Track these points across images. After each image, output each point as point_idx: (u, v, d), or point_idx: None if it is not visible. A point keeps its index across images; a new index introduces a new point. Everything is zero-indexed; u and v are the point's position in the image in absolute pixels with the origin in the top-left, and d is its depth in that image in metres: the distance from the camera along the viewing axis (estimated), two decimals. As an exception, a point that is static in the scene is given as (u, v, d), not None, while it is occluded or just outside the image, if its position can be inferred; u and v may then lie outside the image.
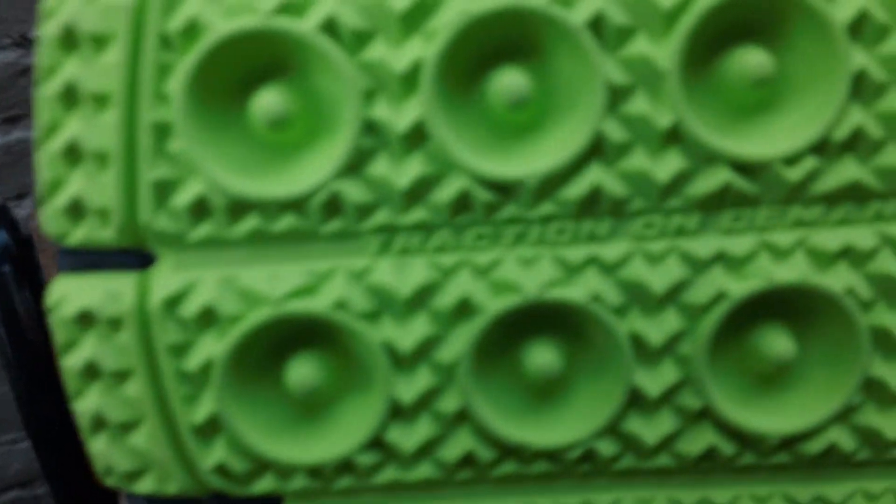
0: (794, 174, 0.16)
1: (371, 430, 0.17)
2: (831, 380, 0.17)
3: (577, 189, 0.16)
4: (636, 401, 0.17)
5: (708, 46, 0.16)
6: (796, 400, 0.17)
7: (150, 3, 0.16)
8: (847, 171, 0.16)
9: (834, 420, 0.17)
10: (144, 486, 0.18)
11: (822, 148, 0.16)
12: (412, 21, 0.15)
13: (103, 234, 0.16)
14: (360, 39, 0.15)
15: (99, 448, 0.18)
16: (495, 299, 0.16)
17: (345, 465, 0.17)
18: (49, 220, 0.17)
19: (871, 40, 0.16)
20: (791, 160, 0.16)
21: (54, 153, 0.16)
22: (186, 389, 0.17)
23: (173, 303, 0.16)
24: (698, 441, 0.17)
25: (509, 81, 0.15)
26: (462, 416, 0.17)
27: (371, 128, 0.16)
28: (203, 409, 0.17)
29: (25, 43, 0.57)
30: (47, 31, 0.16)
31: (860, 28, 0.16)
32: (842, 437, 0.18)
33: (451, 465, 0.17)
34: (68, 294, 0.17)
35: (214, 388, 0.16)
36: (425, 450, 0.17)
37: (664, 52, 0.15)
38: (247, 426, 0.17)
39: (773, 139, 0.16)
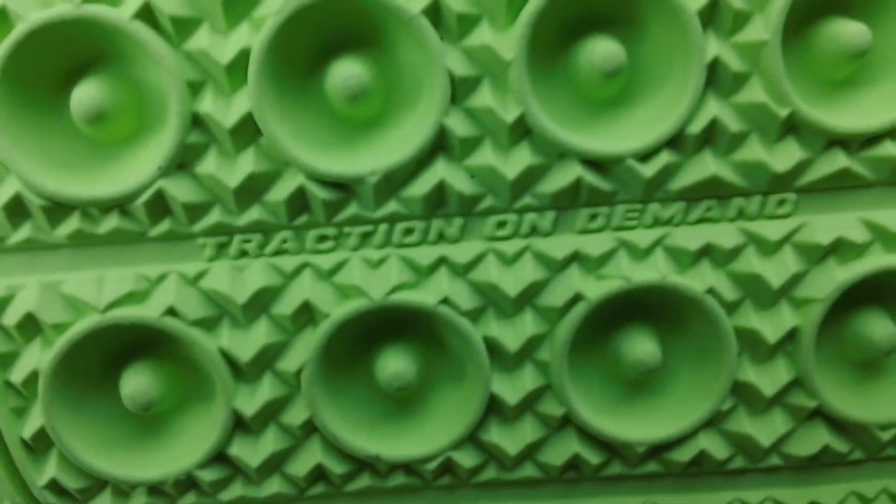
0: (649, 170, 0.15)
1: (213, 445, 0.16)
2: (698, 384, 0.16)
3: (422, 187, 0.15)
4: (496, 409, 0.16)
5: (555, 36, 0.15)
6: (663, 406, 0.16)
7: None
8: (705, 166, 0.15)
9: (704, 426, 0.17)
10: None
11: (678, 142, 0.15)
12: (238, 8, 0.14)
13: None
14: (182, 27, 0.14)
15: None
16: (340, 304, 0.15)
17: (188, 482, 0.16)
18: None
19: (727, 28, 0.15)
20: (645, 156, 0.15)
21: None
22: (14, 402, 0.16)
23: None
24: (561, 450, 0.17)
25: (347, 72, 0.14)
26: (310, 428, 0.16)
27: (198, 122, 0.15)
28: (32, 423, 0.16)
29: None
30: None
31: (714, 15, 0.15)
32: (713, 444, 0.17)
33: (301, 480, 0.16)
34: None
35: (41, 400, 0.15)
36: (273, 464, 0.16)
37: (508, 41, 0.14)
38: (78, 441, 0.16)
39: (626, 134, 0.15)
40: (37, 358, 0.15)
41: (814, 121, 0.15)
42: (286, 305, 0.15)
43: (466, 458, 0.16)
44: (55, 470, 0.16)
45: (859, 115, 0.15)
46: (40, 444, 0.16)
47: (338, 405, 0.16)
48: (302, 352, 0.15)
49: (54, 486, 0.16)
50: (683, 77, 0.14)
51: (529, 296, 0.15)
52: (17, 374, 0.15)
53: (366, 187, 0.15)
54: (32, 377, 0.15)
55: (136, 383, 0.15)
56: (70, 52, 0.14)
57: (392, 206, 0.15)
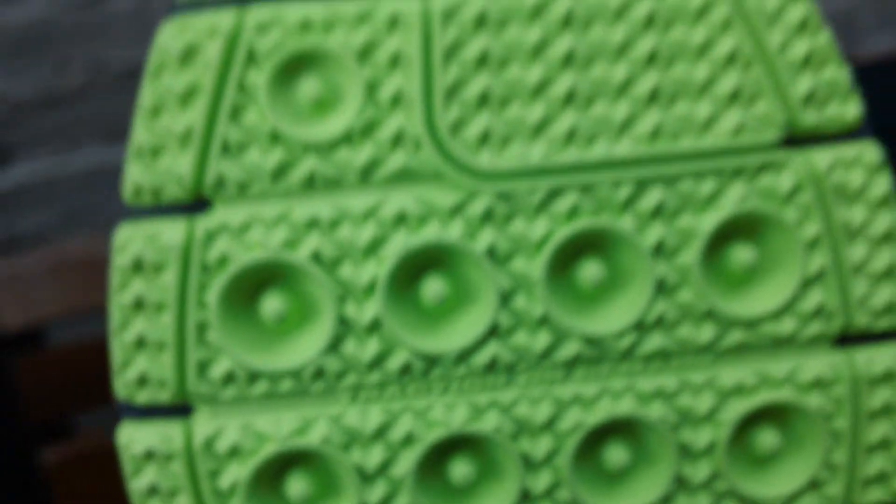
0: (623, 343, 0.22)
1: None
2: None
3: (481, 358, 0.23)
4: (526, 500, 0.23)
5: (564, 260, 0.22)
6: None
7: (193, 242, 0.23)
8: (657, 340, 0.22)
9: None
10: None
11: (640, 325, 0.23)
12: (370, 251, 0.23)
13: (161, 396, 0.24)
14: (335, 263, 0.23)
15: None
16: (429, 432, 0.23)
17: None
18: (121, 387, 0.24)
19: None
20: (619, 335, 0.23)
21: (126, 342, 0.24)
22: (220, 503, 0.24)
23: (209, 442, 0.23)
24: None
25: (434, 287, 0.23)
26: None
27: (343, 321, 0.23)
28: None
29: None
30: (119, 260, 0.23)
31: (661, 248, 0.21)
32: None
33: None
34: (134, 437, 0.24)
35: (238, 502, 0.23)
36: None
37: (535, 266, 0.23)
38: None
39: (609, 320, 0.22)
40: (236, 473, 0.23)
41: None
42: (395, 434, 0.22)
43: None
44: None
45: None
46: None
47: (427, 490, 0.24)
48: (405, 464, 0.23)
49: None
50: (640, 286, 0.23)
51: (548, 424, 0.24)
52: (223, 484, 0.23)
53: (446, 358, 0.23)
54: (233, 486, 0.23)
55: (299, 487, 0.23)
56: (262, 276, 0.22)
57: (462, 370, 0.22)
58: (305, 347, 0.23)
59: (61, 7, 0.69)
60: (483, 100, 0.16)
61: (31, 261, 0.52)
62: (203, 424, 0.22)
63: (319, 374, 0.23)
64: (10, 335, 0.49)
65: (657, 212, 0.17)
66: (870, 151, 0.18)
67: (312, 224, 0.19)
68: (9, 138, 0.71)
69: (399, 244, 0.18)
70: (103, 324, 0.55)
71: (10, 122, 0.70)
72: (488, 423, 0.23)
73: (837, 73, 0.17)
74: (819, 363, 0.20)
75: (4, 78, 0.69)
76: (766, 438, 0.20)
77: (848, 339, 0.21)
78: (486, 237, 0.18)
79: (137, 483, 0.23)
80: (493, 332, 0.20)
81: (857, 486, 0.20)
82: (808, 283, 0.20)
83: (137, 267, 0.20)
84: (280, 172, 0.17)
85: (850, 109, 0.17)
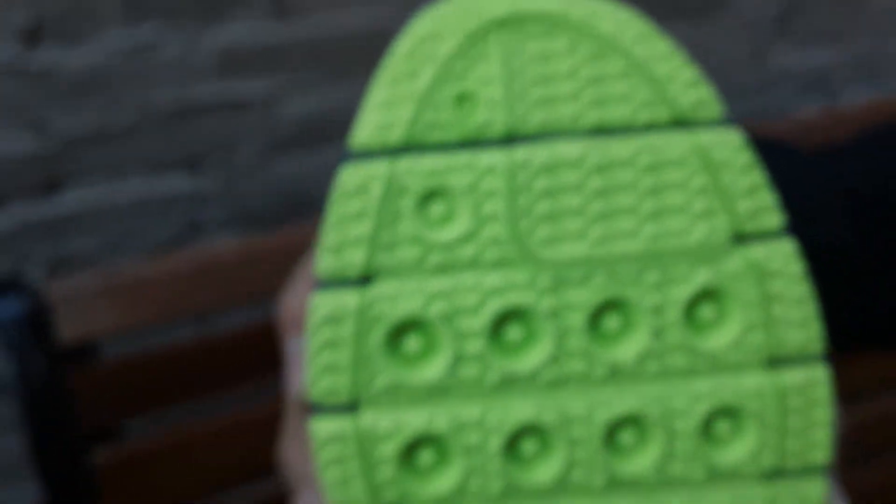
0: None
1: None
2: None
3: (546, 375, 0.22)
4: None
5: (596, 316, 0.22)
6: None
7: (364, 305, 0.22)
8: None
9: None
10: None
11: None
12: (475, 310, 0.22)
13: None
14: (452, 317, 0.22)
15: None
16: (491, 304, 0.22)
17: None
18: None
19: None
20: None
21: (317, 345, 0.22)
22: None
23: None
24: None
25: (514, 331, 0.22)
26: None
27: (457, 356, 0.22)
28: None
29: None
30: (314, 318, 0.22)
31: (657, 309, 0.22)
32: None
33: None
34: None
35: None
36: None
37: (577, 319, 0.22)
38: None
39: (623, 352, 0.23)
40: None
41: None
42: None
43: None
44: None
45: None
46: None
47: None
48: None
49: None
50: None
51: None
52: None
53: None
54: None
55: None
56: (403, 325, 0.22)
57: None
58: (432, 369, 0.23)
59: (114, 53, 0.75)
60: (546, 217, 0.22)
61: (85, 281, 0.55)
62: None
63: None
64: (66, 349, 0.53)
65: (655, 287, 0.22)
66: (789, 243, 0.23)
67: (439, 294, 0.22)
68: (62, 170, 0.77)
69: (493, 305, 0.23)
70: (151, 338, 0.60)
71: (64, 156, 0.77)
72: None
73: (768, 197, 0.22)
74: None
75: (61, 115, 0.76)
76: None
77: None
78: (547, 301, 0.23)
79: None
80: (551, 360, 0.23)
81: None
82: None
83: (329, 320, 0.22)
84: (419, 262, 0.22)
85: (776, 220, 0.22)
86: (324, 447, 0.22)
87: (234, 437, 0.59)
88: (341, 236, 0.22)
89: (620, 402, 0.22)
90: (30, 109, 0.72)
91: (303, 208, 0.85)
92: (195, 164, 0.80)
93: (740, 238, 0.23)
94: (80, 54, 0.73)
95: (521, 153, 0.22)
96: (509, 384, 0.22)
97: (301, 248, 0.62)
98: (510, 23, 0.21)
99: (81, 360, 0.55)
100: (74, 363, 0.54)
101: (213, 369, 0.59)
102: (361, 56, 0.79)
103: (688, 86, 0.22)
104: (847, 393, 0.28)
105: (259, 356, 0.59)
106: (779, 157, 0.26)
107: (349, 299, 0.22)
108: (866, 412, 0.73)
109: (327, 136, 0.83)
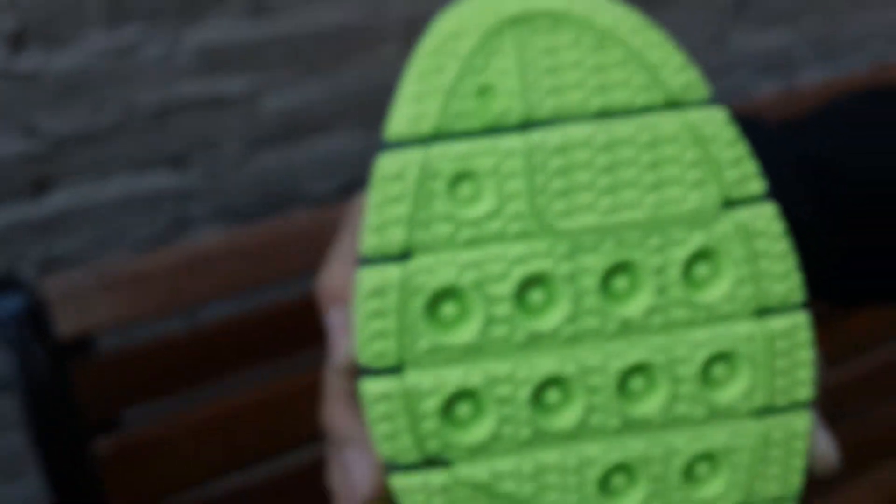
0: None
1: None
2: None
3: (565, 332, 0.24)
4: None
5: (606, 277, 0.24)
6: None
7: (405, 276, 0.23)
8: None
9: None
10: None
11: None
12: (502, 277, 0.24)
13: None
14: (482, 284, 0.24)
15: None
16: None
17: None
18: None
19: None
20: None
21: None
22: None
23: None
24: None
25: (536, 294, 0.24)
26: None
27: (489, 317, 0.24)
28: None
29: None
30: (362, 288, 0.24)
31: (660, 269, 0.24)
32: None
33: None
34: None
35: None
36: None
37: (591, 281, 0.24)
38: None
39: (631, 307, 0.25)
40: None
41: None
42: None
43: None
44: None
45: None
46: None
47: None
48: None
49: None
50: None
51: None
52: None
53: None
54: None
55: None
56: (440, 293, 0.24)
57: None
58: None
59: (97, 54, 0.76)
60: (561, 192, 0.24)
61: (80, 276, 0.56)
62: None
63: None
64: (65, 342, 0.54)
65: (657, 250, 0.24)
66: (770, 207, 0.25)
67: (470, 265, 0.24)
68: (49, 170, 0.79)
69: (517, 273, 0.24)
70: (147, 331, 0.62)
71: (51, 157, 0.78)
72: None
73: (752, 166, 0.25)
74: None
75: (47, 118, 0.77)
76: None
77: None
78: (564, 267, 0.25)
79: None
80: (569, 318, 0.25)
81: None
82: None
83: (375, 292, 0.24)
84: (452, 237, 0.24)
85: (758, 186, 0.25)
86: (374, 405, 0.24)
87: (233, 423, 0.60)
88: (382, 217, 0.24)
89: (631, 352, 0.24)
90: (18, 112, 0.73)
91: (286, 201, 0.87)
92: (180, 161, 0.81)
93: (729, 203, 0.25)
94: (65, 57, 0.75)
95: (536, 137, 0.24)
96: (534, 342, 0.24)
97: (288, 240, 0.64)
98: (522, 20, 0.23)
99: (80, 354, 0.56)
100: (72, 357, 0.55)
101: (206, 358, 0.60)
102: (337, 51, 0.81)
103: (678, 70, 0.24)
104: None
105: (252, 344, 0.61)
106: (742, 130, 0.28)
107: (392, 273, 0.24)
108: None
109: (308, 130, 0.85)
